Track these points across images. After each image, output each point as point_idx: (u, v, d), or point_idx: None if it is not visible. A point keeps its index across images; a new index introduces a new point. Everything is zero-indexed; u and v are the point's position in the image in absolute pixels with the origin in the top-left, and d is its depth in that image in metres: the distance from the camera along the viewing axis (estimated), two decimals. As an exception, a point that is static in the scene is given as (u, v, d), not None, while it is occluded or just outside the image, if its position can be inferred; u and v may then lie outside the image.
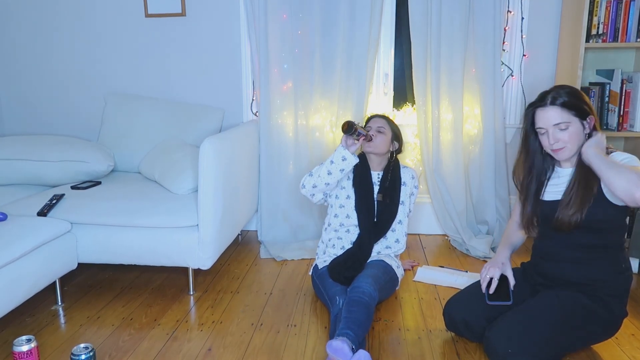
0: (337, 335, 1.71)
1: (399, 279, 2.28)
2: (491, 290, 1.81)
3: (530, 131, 1.77)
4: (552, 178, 1.78)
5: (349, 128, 2.01)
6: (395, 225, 2.27)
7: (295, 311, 2.17)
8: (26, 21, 3.14)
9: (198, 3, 2.98)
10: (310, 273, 2.35)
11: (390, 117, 2.37)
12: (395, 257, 2.31)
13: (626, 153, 1.67)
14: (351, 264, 2.14)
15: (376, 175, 2.28)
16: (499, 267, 1.84)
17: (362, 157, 2.27)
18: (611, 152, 1.68)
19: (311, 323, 2.07)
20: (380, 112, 2.47)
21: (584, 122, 1.68)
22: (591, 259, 1.71)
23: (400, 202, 2.27)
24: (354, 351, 1.65)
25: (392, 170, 2.28)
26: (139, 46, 3.08)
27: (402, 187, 2.28)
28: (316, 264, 2.28)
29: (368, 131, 2.18)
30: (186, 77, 3.09)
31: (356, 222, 2.23)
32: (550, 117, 1.67)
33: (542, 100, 1.70)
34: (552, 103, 1.67)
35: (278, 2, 2.79)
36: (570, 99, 1.67)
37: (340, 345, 1.62)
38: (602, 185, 1.63)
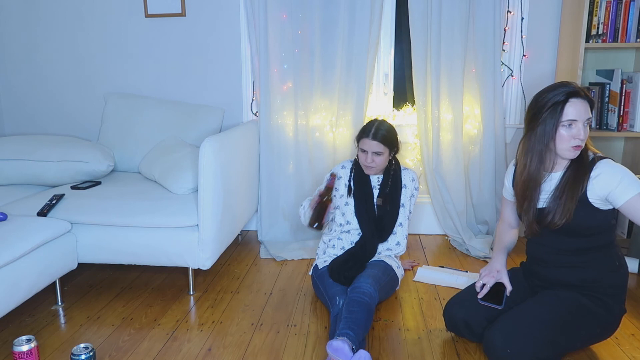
0: (337, 335, 1.71)
1: (399, 279, 2.28)
2: (481, 295, 1.80)
3: (553, 124, 1.61)
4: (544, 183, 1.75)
5: (318, 225, 2.08)
6: (396, 227, 2.27)
7: (295, 311, 2.17)
8: (26, 21, 3.13)
9: (198, 3, 2.98)
10: (310, 273, 2.35)
11: (385, 123, 2.21)
12: (395, 258, 2.31)
13: (610, 168, 1.61)
14: (352, 264, 2.14)
15: (376, 179, 2.27)
16: (493, 276, 1.82)
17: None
18: (599, 159, 1.64)
19: (311, 323, 2.07)
20: (370, 126, 2.18)
21: None
22: (585, 261, 1.71)
23: (401, 204, 2.26)
24: (354, 351, 1.65)
25: (393, 174, 2.26)
26: (139, 46, 3.08)
27: (403, 190, 2.27)
28: (316, 264, 2.28)
29: (330, 200, 2.08)
30: (186, 77, 3.09)
31: (357, 227, 2.23)
32: (585, 109, 1.59)
33: (574, 90, 1.60)
34: (585, 95, 1.60)
35: (278, 2, 2.79)
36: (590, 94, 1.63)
37: (340, 345, 1.62)
38: (588, 192, 1.62)
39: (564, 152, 1.64)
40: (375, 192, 2.24)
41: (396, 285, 2.26)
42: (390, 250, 2.28)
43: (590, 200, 1.63)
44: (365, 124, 2.26)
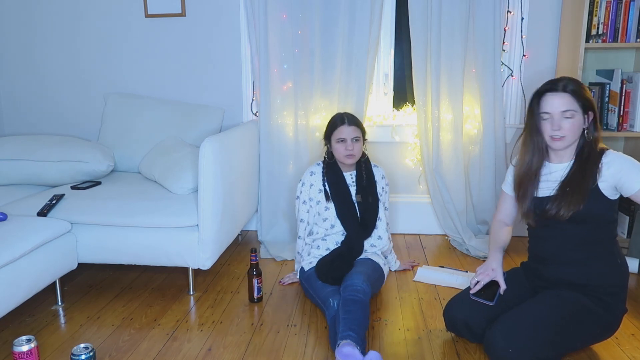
0: (340, 339, 1.69)
1: (385, 276, 2.28)
2: (473, 291, 1.82)
3: (536, 117, 1.73)
4: (543, 174, 1.78)
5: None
6: (377, 221, 2.27)
7: (295, 311, 2.17)
8: (26, 21, 3.13)
9: (198, 3, 2.98)
10: (297, 276, 2.34)
11: (352, 115, 2.27)
12: (381, 255, 2.30)
13: (621, 155, 1.67)
14: (339, 264, 2.13)
15: (349, 177, 2.26)
16: (489, 274, 1.84)
17: (332, 164, 2.25)
18: (606, 151, 1.69)
19: (311, 323, 2.07)
20: (341, 116, 2.25)
21: (585, 116, 1.70)
22: (589, 257, 1.71)
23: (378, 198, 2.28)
24: (361, 352, 1.65)
25: (365, 167, 2.26)
26: (139, 46, 3.08)
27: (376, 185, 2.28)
28: (302, 267, 2.27)
29: (257, 275, 2.21)
30: (186, 77, 3.09)
31: (341, 230, 2.22)
32: (560, 103, 1.67)
33: (553, 85, 1.69)
34: (564, 90, 1.67)
35: (278, 2, 2.79)
36: (579, 90, 1.68)
37: (351, 351, 1.61)
38: (599, 180, 1.65)
39: (547, 142, 1.72)
40: (352, 190, 2.24)
41: (383, 281, 2.26)
42: (374, 247, 2.27)
43: (601, 189, 1.65)
44: (332, 118, 2.28)
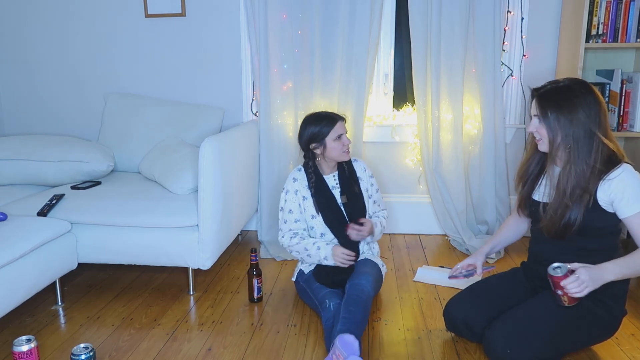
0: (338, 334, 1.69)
1: (383, 277, 2.27)
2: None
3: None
4: (545, 177, 1.75)
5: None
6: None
7: (295, 311, 2.17)
8: (26, 21, 3.13)
9: (198, 3, 2.98)
10: (293, 279, 2.30)
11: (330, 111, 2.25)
12: (378, 257, 2.29)
13: (626, 176, 1.57)
14: (338, 267, 2.09)
15: (332, 178, 2.19)
16: (469, 257, 1.93)
17: (315, 171, 2.16)
18: (619, 165, 1.59)
19: (311, 323, 2.07)
20: (328, 113, 2.20)
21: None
22: (588, 262, 1.69)
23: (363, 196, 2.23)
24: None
25: (347, 164, 2.20)
26: (139, 46, 3.08)
27: (360, 182, 2.22)
28: (301, 269, 2.23)
29: (258, 275, 2.23)
30: (186, 77, 3.09)
31: (332, 236, 2.16)
32: (534, 106, 1.68)
33: (540, 87, 1.68)
34: (533, 94, 1.68)
35: (278, 2, 2.79)
36: (546, 94, 1.63)
37: (352, 340, 1.62)
38: (597, 194, 1.60)
39: None
40: (335, 192, 2.17)
41: (381, 284, 2.24)
42: (370, 243, 2.25)
43: (600, 202, 1.62)
44: (318, 119, 2.15)
